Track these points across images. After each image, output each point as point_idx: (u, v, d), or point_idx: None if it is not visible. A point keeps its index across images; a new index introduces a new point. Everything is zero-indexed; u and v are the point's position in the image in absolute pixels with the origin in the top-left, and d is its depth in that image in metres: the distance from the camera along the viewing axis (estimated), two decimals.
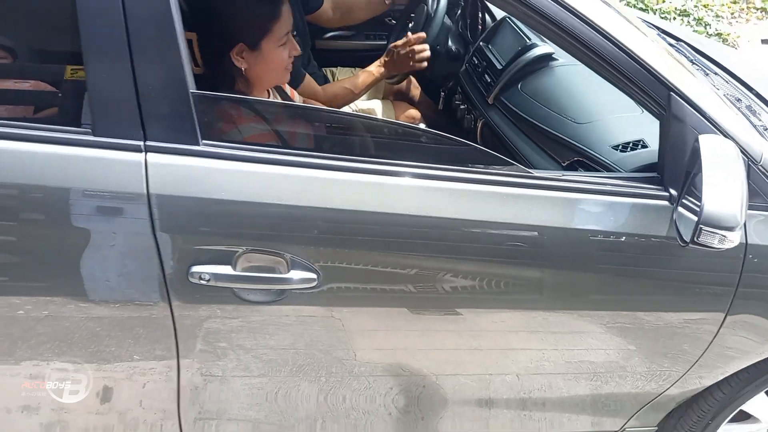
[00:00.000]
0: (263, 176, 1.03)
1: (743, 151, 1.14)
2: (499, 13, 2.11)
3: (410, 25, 2.12)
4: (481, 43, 2.03)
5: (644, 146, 1.38)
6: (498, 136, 1.78)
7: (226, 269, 1.04)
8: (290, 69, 1.44)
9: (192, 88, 0.99)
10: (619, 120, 1.51)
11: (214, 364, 1.15)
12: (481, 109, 1.91)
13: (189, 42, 1.15)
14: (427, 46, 1.86)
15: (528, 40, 1.82)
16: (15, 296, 1.03)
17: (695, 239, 1.02)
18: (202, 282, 1.03)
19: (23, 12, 1.17)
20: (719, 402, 1.44)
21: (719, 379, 1.39)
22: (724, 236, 1.00)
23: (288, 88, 1.65)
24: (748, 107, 1.45)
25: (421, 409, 1.35)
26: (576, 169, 1.46)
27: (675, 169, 1.13)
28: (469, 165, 1.12)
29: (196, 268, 1.03)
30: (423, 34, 1.86)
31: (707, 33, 4.44)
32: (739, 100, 1.49)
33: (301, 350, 1.17)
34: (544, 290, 1.18)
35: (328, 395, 1.26)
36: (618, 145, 1.41)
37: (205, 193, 1.01)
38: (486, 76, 1.91)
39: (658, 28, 1.99)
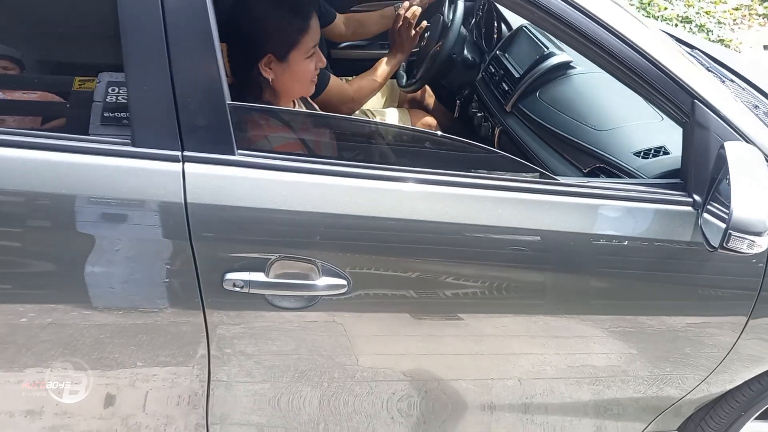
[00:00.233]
0: (295, 185, 1.05)
1: (766, 158, 1.16)
2: (514, 23, 2.13)
3: (426, 35, 2.15)
4: (497, 52, 2.05)
5: (666, 153, 1.40)
6: (516, 143, 1.80)
7: (259, 276, 1.06)
8: (315, 81, 1.46)
9: (228, 100, 1.02)
10: (639, 127, 1.52)
11: (245, 369, 1.17)
12: (498, 117, 1.93)
13: None
14: (417, 9, 1.93)
15: (546, 49, 1.84)
16: (49, 303, 1.05)
17: (724, 244, 1.03)
18: (236, 289, 1.05)
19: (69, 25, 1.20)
20: (740, 405, 1.44)
21: (739, 383, 1.39)
22: (753, 241, 1.02)
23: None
24: (767, 114, 1.47)
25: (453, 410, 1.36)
26: (597, 176, 1.47)
27: (699, 176, 1.15)
28: (497, 172, 1.14)
29: (230, 275, 1.05)
30: (416, 8, 1.93)
31: (709, 40, 4.43)
32: (756, 106, 1.51)
33: (328, 355, 1.19)
34: (574, 296, 1.20)
35: (357, 398, 1.27)
36: (639, 152, 1.42)
37: (239, 201, 1.03)
38: (503, 84, 1.93)
39: (672, 36, 2.00)
